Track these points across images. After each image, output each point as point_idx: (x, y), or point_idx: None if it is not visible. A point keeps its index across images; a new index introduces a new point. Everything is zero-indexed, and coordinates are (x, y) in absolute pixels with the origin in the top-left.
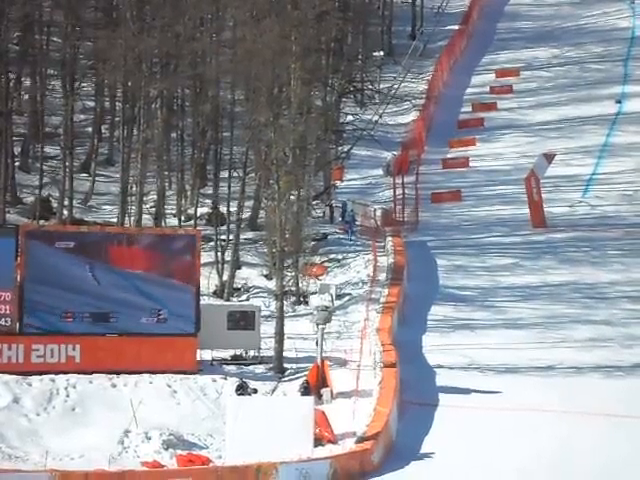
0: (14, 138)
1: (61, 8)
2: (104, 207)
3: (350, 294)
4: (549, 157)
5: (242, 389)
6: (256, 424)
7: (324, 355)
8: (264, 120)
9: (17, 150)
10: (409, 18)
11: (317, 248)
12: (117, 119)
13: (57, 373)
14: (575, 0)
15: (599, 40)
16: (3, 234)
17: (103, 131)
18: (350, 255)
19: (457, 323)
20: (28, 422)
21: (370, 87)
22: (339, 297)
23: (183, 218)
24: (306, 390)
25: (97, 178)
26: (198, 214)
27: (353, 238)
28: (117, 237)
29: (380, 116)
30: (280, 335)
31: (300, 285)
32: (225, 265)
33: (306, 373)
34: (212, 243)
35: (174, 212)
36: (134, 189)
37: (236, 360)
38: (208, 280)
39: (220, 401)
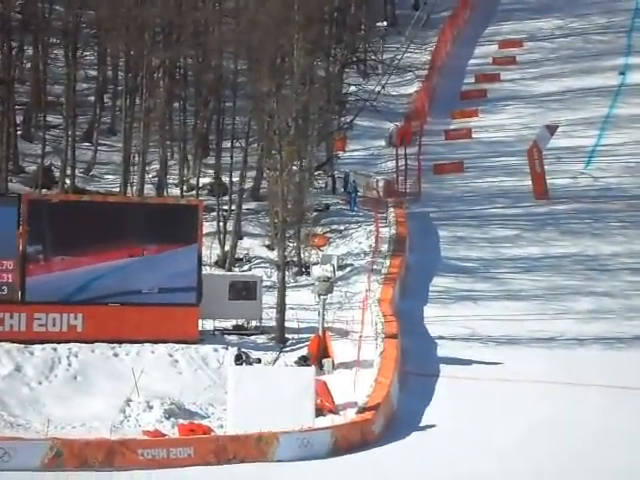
0: (16, 107)
1: None
2: (106, 176)
3: (352, 265)
4: (552, 129)
5: (240, 359)
6: (257, 394)
7: (325, 326)
8: (266, 90)
9: (19, 119)
10: None
11: (319, 219)
12: (119, 88)
13: (59, 342)
14: None
15: (603, 11)
16: (5, 203)
17: (105, 100)
18: (352, 226)
19: (459, 294)
20: (30, 390)
21: (373, 58)
22: (341, 268)
23: (185, 188)
24: (303, 363)
25: (99, 147)
26: (200, 184)
27: (355, 209)
28: (119, 207)
29: (383, 87)
30: (282, 305)
31: (302, 256)
32: (227, 235)
33: (307, 344)
34: (214, 213)
35: (176, 182)
36: (136, 159)
37: (238, 330)
38: (210, 250)
39: (221, 371)
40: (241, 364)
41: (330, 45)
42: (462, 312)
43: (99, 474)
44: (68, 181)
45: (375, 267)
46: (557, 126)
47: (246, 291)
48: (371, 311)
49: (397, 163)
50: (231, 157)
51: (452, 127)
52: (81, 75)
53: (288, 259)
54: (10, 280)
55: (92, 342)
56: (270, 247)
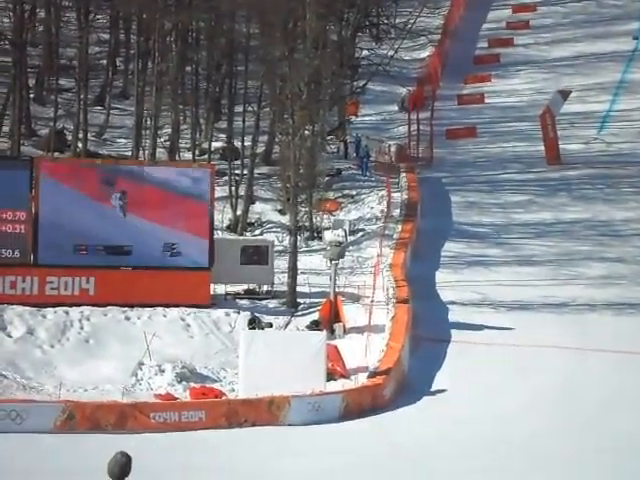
0: (28, 70)
1: None
2: (118, 140)
3: (364, 230)
4: (565, 94)
5: (254, 323)
6: (269, 358)
7: (337, 290)
8: (279, 54)
9: (32, 82)
10: None
11: (331, 184)
12: (132, 52)
13: (71, 305)
14: None
15: None
16: (18, 166)
17: (118, 64)
18: (364, 191)
19: (470, 260)
20: (42, 353)
21: (386, 22)
22: (352, 233)
23: (197, 152)
24: (315, 327)
25: (112, 111)
26: (212, 148)
27: (367, 174)
28: (132, 171)
29: (396, 51)
30: (293, 270)
31: (314, 220)
32: (239, 200)
33: (319, 308)
34: (226, 178)
35: (188, 146)
36: (148, 122)
37: (249, 294)
38: (222, 215)
39: (233, 335)
40: (253, 328)
41: (343, 9)
42: (473, 277)
43: (111, 437)
44: (80, 145)
45: (387, 232)
46: (570, 91)
47: (258, 256)
48: (382, 276)
49: (409, 128)
50: (243, 121)
51: (465, 92)
52: (93, 38)
53: (300, 224)
54: (23, 231)
55: (104, 306)
56: (282, 212)
